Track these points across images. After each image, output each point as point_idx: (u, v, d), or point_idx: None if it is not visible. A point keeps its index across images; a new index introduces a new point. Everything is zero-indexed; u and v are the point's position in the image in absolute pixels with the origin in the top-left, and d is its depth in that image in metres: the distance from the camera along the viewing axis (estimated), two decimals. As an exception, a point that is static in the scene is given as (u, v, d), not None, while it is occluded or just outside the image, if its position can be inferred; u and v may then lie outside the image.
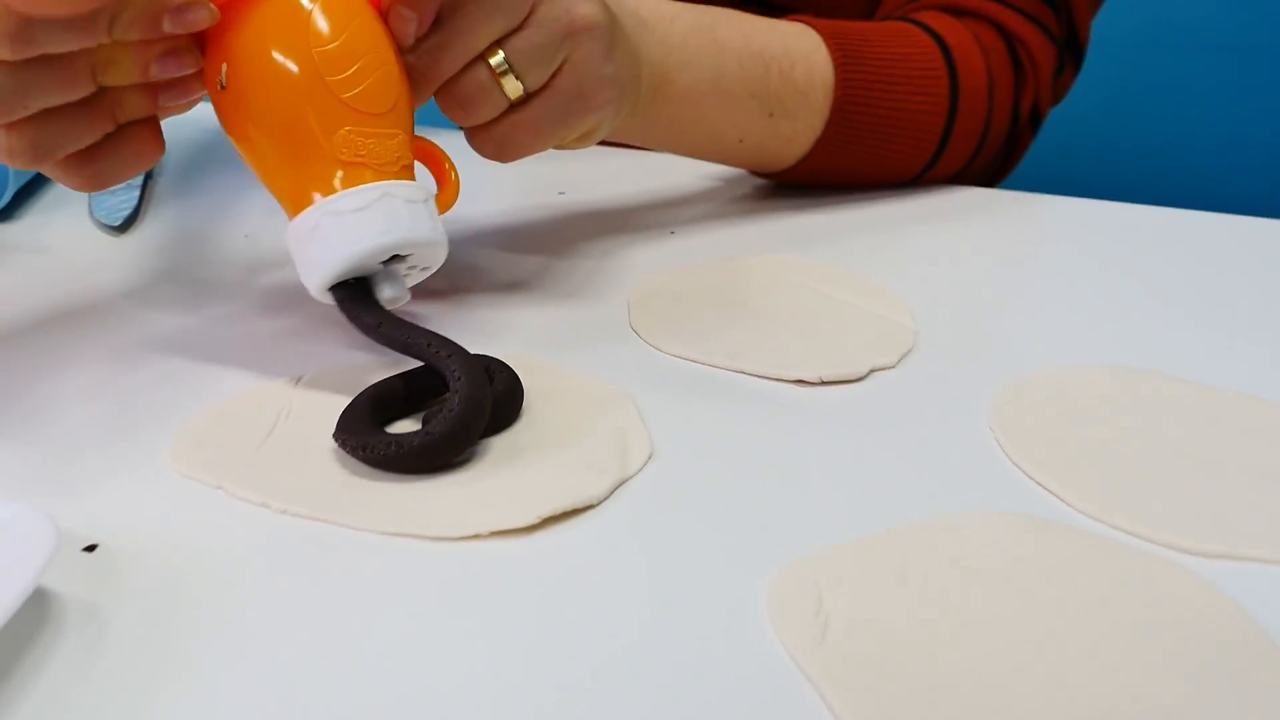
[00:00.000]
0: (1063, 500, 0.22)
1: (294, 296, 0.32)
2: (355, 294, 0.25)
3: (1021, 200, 0.43)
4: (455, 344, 0.24)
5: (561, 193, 0.43)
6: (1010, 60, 0.43)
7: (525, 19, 0.29)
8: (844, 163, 0.41)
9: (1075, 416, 0.25)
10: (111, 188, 0.37)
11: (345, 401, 0.24)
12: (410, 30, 0.27)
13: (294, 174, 0.26)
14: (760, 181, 0.43)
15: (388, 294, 0.25)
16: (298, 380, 0.27)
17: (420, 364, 0.25)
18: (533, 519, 0.21)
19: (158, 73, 0.25)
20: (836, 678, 0.17)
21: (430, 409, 0.24)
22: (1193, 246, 0.38)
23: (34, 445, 0.24)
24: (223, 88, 0.26)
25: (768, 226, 0.39)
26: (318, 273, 0.25)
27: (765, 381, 0.27)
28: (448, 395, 0.23)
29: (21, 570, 0.17)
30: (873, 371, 0.28)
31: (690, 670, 0.17)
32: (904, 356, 0.29)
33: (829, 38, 0.39)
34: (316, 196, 0.25)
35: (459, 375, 0.23)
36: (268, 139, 0.26)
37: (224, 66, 0.26)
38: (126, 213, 0.39)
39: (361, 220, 0.24)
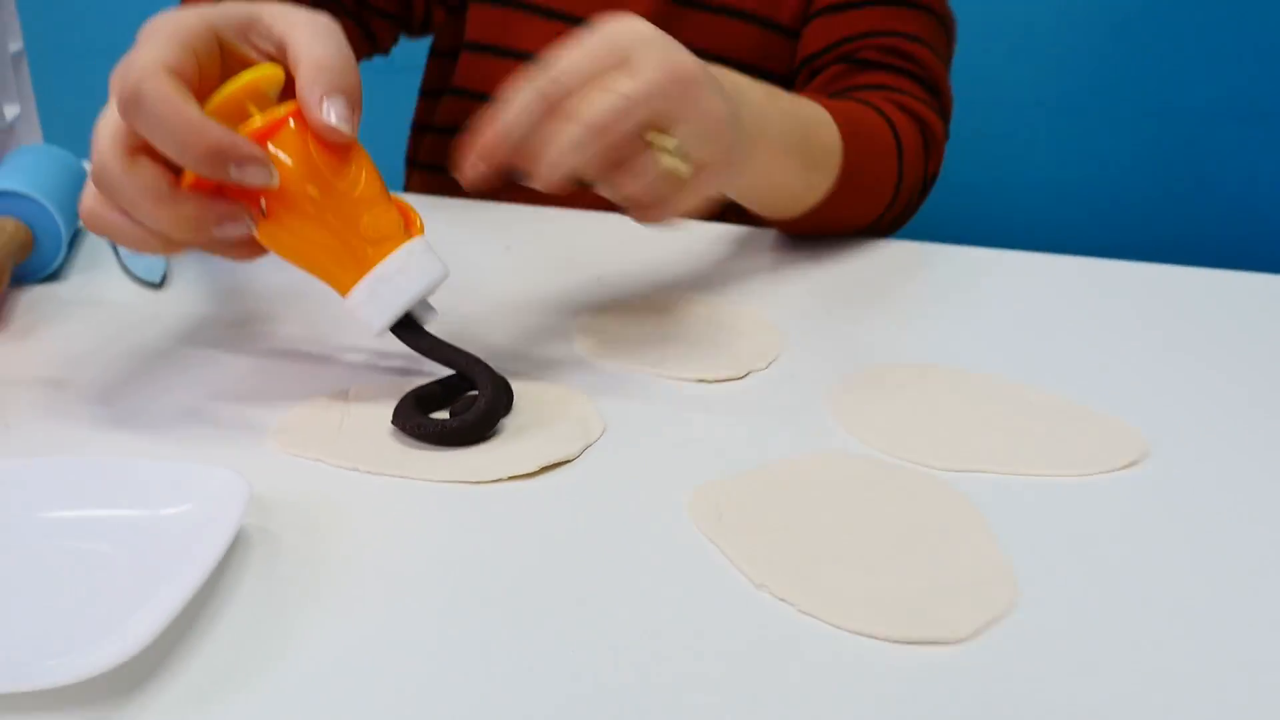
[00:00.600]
0: (864, 443, 0.35)
1: (319, 328, 0.43)
2: (407, 327, 0.35)
3: (912, 247, 0.56)
4: (478, 358, 0.35)
5: (508, 247, 0.55)
6: (921, 137, 0.57)
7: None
8: (838, 212, 0.52)
9: (882, 394, 0.38)
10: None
11: (385, 402, 0.35)
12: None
13: (336, 262, 0.34)
14: (672, 235, 0.55)
15: (429, 318, 0.36)
16: (346, 391, 0.38)
17: (448, 373, 0.36)
18: (534, 468, 0.32)
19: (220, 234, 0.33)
20: (728, 540, 0.29)
21: (456, 404, 0.35)
22: (1039, 284, 0.52)
23: (166, 446, 0.34)
24: (264, 215, 0.34)
25: (681, 271, 0.51)
26: (382, 321, 0.34)
27: (678, 381, 0.39)
28: (473, 394, 0.34)
29: (230, 513, 0.27)
30: (750, 372, 0.40)
31: (644, 547, 0.29)
32: (772, 361, 0.41)
33: (833, 112, 0.51)
34: (365, 272, 0.34)
35: (485, 379, 0.34)
36: (308, 244, 0.34)
37: (262, 200, 0.34)
38: (162, 270, 0.49)
39: (405, 277, 0.35)
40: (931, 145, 0.58)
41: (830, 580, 0.28)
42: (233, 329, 0.44)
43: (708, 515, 0.30)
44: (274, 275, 0.50)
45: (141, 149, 0.32)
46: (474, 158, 0.36)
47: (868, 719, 0.23)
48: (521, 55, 0.65)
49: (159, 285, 0.49)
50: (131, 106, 0.31)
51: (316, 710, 0.23)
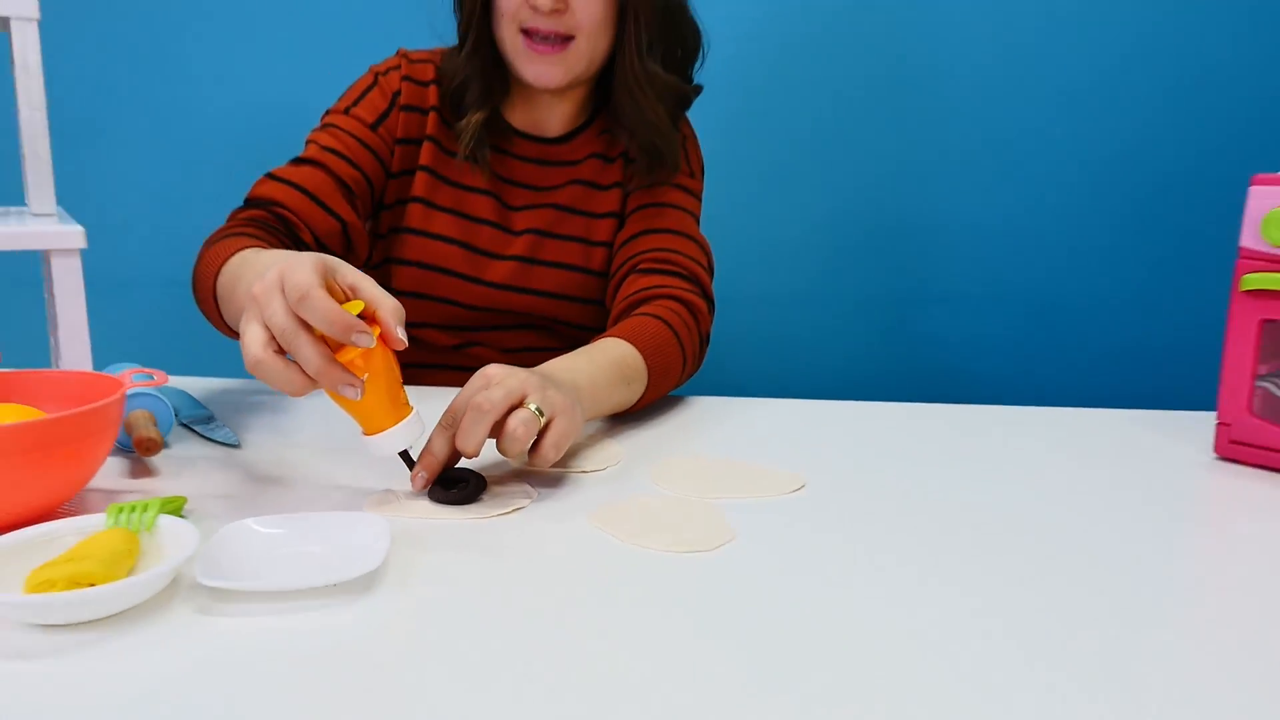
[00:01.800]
0: (674, 490, 0.69)
1: (354, 466, 0.73)
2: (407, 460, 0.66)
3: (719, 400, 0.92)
4: (467, 468, 0.67)
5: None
6: (690, 315, 0.94)
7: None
8: (656, 393, 0.88)
9: (682, 464, 0.73)
10: (208, 424, 0.77)
11: (414, 491, 0.66)
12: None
13: (382, 413, 0.64)
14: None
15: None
16: (384, 492, 0.68)
17: (453, 469, 0.67)
18: (511, 509, 0.64)
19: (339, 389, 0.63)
20: (611, 527, 0.62)
21: (458, 487, 0.66)
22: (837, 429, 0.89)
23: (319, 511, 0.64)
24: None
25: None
26: (394, 450, 0.64)
27: (582, 472, 0.73)
28: (469, 479, 0.66)
29: (383, 533, 0.58)
30: (608, 466, 0.74)
31: (567, 537, 0.62)
32: (618, 462, 0.75)
33: (632, 339, 0.86)
34: (395, 424, 0.64)
35: (476, 474, 0.66)
36: (372, 399, 0.65)
37: (364, 377, 0.65)
38: (237, 438, 0.78)
39: (411, 430, 0.65)
40: (698, 316, 0.96)
41: (655, 532, 0.61)
42: (296, 468, 0.74)
43: (604, 521, 0.63)
44: (310, 437, 0.80)
45: (303, 327, 0.60)
46: (422, 479, 0.66)
47: (664, 590, 0.56)
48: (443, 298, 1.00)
49: (238, 446, 0.78)
50: (302, 302, 0.59)
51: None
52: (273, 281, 0.60)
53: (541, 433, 0.68)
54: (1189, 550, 0.61)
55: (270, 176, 0.96)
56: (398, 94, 1.02)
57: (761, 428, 0.86)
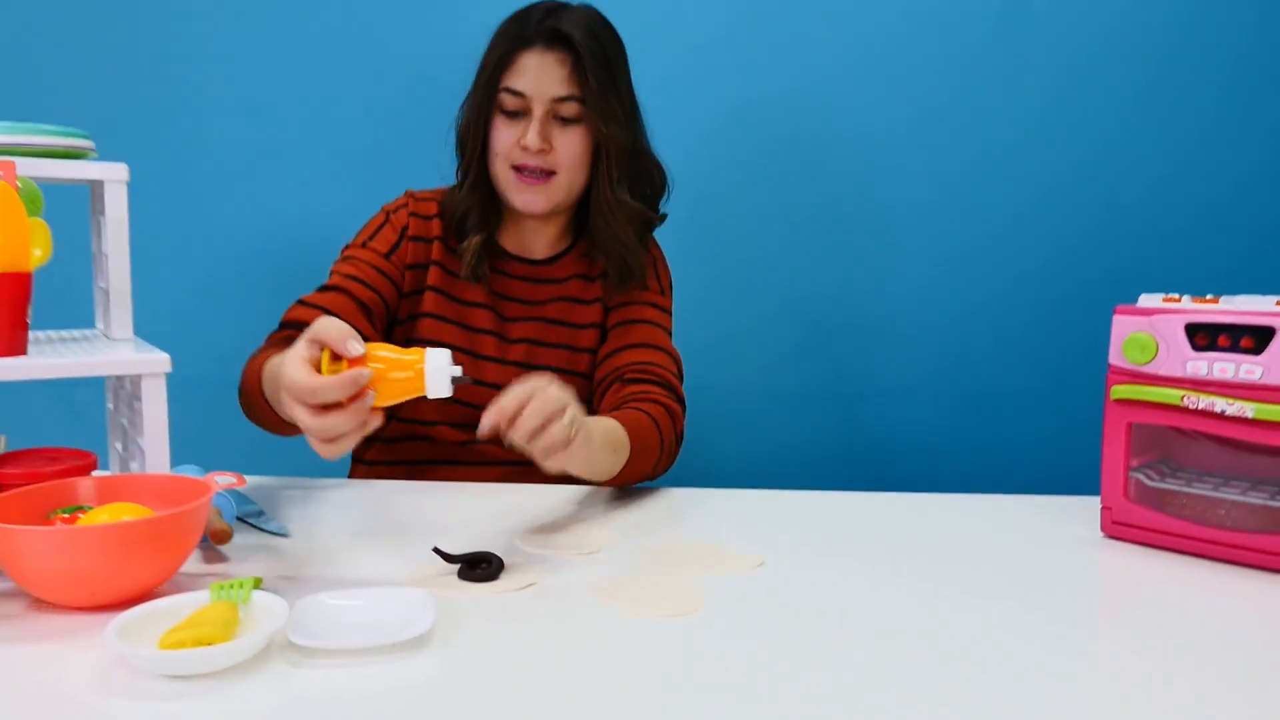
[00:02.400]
0: (654, 568, 0.84)
1: (385, 550, 0.88)
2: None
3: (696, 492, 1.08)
4: (489, 551, 0.82)
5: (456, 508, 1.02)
6: (668, 416, 1.10)
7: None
8: (633, 471, 1.03)
9: (661, 554, 0.88)
10: (259, 517, 0.92)
11: (483, 433, 0.82)
12: None
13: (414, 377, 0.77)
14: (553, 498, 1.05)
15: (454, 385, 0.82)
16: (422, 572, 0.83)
17: (476, 552, 0.82)
18: (525, 584, 0.79)
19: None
20: (606, 595, 0.77)
21: (481, 567, 0.81)
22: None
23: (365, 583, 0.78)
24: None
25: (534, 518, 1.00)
26: (443, 380, 0.77)
27: (566, 553, 0.88)
28: (491, 560, 0.81)
29: (426, 615, 0.72)
30: (602, 549, 0.89)
31: (571, 606, 0.76)
32: (604, 547, 0.90)
33: (622, 421, 1.01)
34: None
35: (497, 556, 0.81)
36: (400, 381, 0.76)
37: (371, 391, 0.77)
38: (285, 528, 0.92)
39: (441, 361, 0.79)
40: (674, 417, 1.12)
41: (639, 601, 0.76)
42: (338, 552, 0.88)
43: (600, 591, 0.78)
44: (345, 527, 0.95)
45: (324, 409, 0.75)
46: (489, 425, 0.83)
47: (650, 645, 0.71)
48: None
49: (287, 535, 0.92)
50: (313, 395, 0.74)
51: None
52: (286, 399, 0.77)
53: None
54: (1085, 610, 0.77)
55: (301, 302, 1.12)
56: (405, 228, 1.20)
57: (726, 515, 1.02)
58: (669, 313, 1.27)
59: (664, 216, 1.26)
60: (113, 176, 0.96)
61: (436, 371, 0.77)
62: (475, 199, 1.19)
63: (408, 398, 0.78)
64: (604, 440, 0.98)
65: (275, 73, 1.57)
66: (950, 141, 1.59)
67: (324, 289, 1.15)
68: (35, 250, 0.85)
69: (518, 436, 0.83)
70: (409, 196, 1.23)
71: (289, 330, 1.09)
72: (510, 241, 1.24)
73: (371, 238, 1.20)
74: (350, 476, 1.28)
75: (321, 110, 1.58)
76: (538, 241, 1.24)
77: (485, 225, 1.19)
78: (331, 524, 0.96)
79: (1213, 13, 1.54)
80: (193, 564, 0.83)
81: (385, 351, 0.78)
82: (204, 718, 0.58)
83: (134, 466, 0.96)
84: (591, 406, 1.21)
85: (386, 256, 1.18)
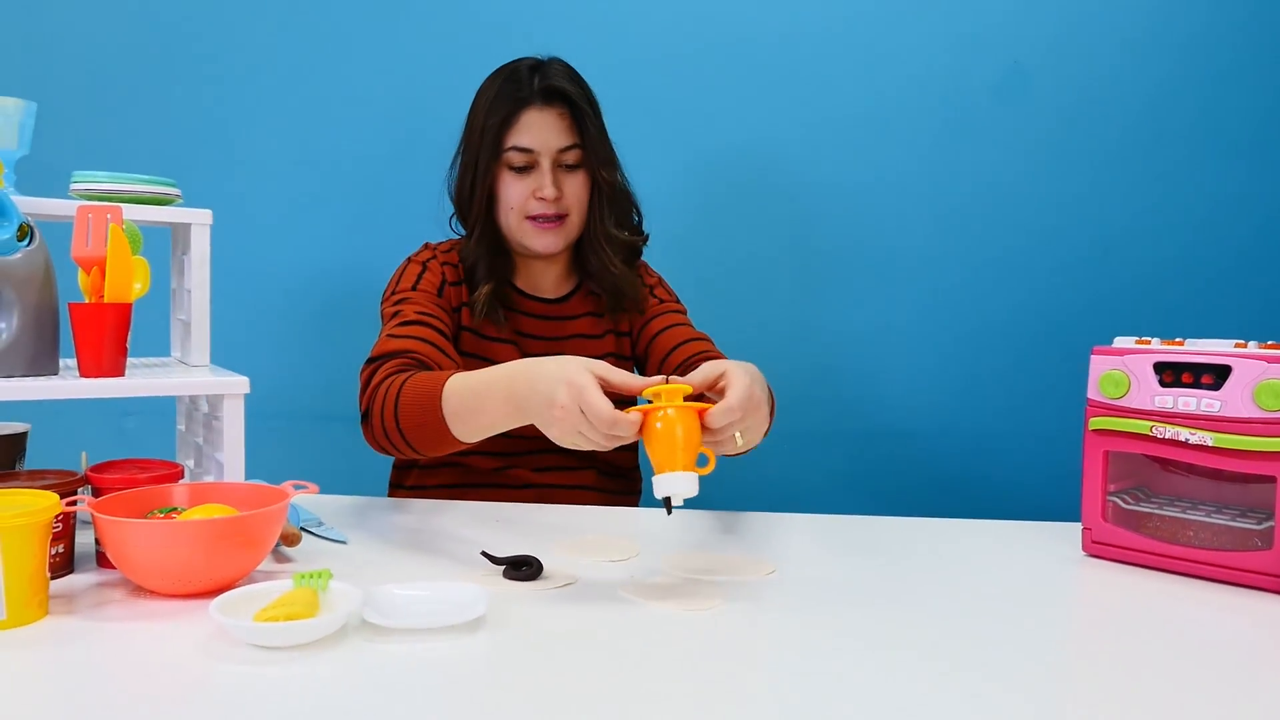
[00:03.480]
0: (678, 572, 0.94)
1: (429, 555, 0.98)
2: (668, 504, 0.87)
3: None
4: (530, 554, 0.92)
5: (498, 520, 1.12)
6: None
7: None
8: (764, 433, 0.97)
9: (694, 557, 0.98)
10: (319, 526, 1.02)
11: (495, 569, 0.91)
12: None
13: (673, 462, 0.84)
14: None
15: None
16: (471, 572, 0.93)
17: (519, 555, 0.92)
18: (564, 584, 0.89)
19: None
20: (636, 593, 0.87)
21: (524, 569, 0.91)
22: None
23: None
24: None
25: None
26: (676, 492, 0.84)
27: (602, 560, 0.98)
28: (533, 562, 0.90)
29: (479, 604, 0.82)
30: (634, 555, 0.99)
31: (604, 601, 0.86)
32: (635, 554, 1.00)
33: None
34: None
35: (537, 558, 0.91)
36: (660, 453, 0.82)
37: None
38: (343, 535, 1.03)
39: (692, 484, 0.85)
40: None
41: (677, 596, 0.86)
42: (392, 556, 0.98)
43: (630, 589, 0.88)
44: (398, 535, 1.05)
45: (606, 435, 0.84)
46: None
47: (674, 638, 0.81)
48: None
49: (345, 542, 1.02)
50: (615, 426, 0.81)
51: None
52: (576, 413, 0.83)
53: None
54: (1069, 620, 0.87)
55: (391, 336, 1.16)
56: (444, 274, 1.30)
57: (741, 532, 1.12)
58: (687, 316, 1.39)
59: (647, 238, 1.38)
60: (199, 220, 1.08)
61: (679, 483, 0.82)
62: (482, 250, 1.29)
63: (654, 457, 0.83)
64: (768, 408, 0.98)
65: (323, 126, 1.71)
66: (946, 190, 1.71)
67: (405, 324, 1.18)
68: (136, 284, 0.97)
69: (733, 442, 0.87)
70: (431, 249, 1.33)
71: (398, 359, 1.12)
72: (522, 282, 1.36)
73: (419, 281, 1.28)
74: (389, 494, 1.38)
75: (365, 162, 1.71)
76: (545, 280, 1.36)
77: (493, 274, 1.29)
78: (383, 534, 1.07)
79: (1182, 82, 1.67)
80: (266, 564, 0.93)
81: (681, 425, 0.83)
82: (293, 681, 0.68)
83: (207, 479, 1.07)
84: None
85: (439, 294, 1.28)
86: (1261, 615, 0.86)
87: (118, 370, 0.96)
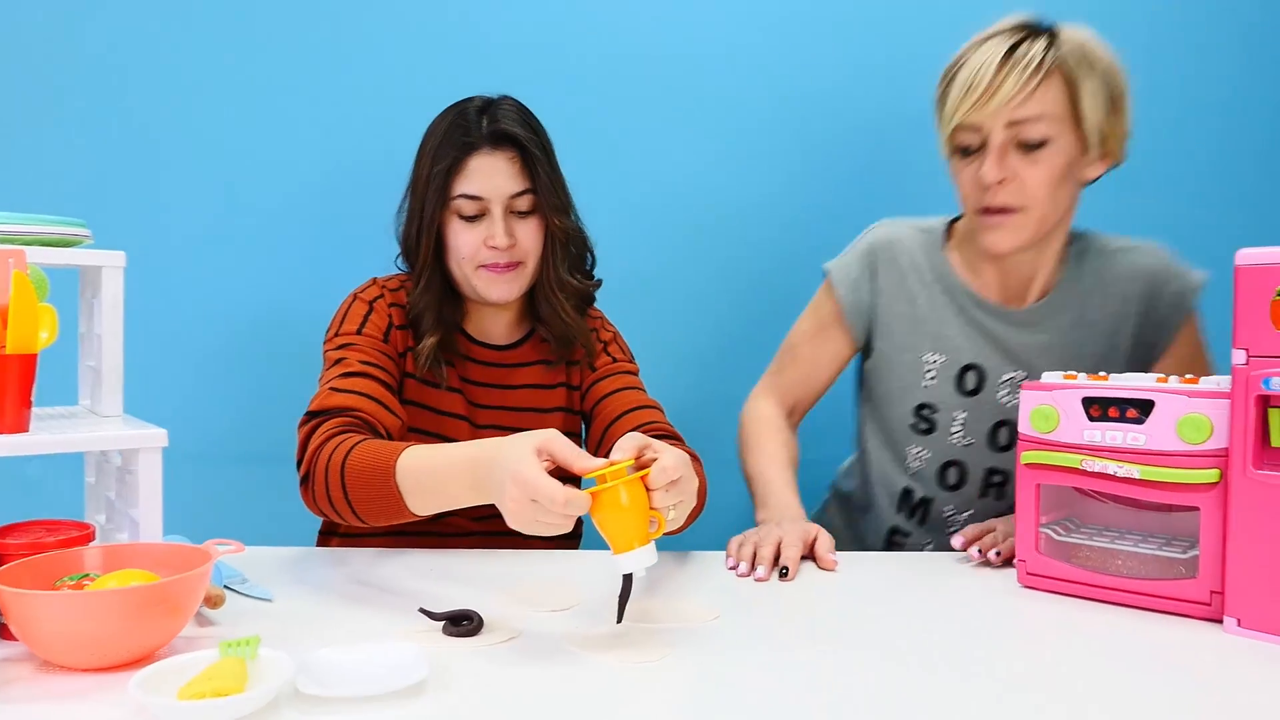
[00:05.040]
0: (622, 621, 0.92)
1: (361, 609, 0.94)
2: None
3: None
4: (470, 609, 0.89)
5: (431, 568, 1.09)
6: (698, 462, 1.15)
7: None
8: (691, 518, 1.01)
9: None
10: (243, 583, 0.97)
11: (434, 625, 0.88)
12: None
13: (629, 539, 0.84)
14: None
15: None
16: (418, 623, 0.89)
17: (458, 610, 0.89)
18: (506, 638, 0.86)
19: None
20: (580, 645, 0.85)
21: (464, 624, 0.88)
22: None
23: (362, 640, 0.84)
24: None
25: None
26: (639, 568, 0.83)
27: (542, 610, 0.95)
28: (473, 617, 0.88)
29: (419, 665, 0.79)
30: (551, 611, 0.97)
31: (549, 656, 0.84)
32: (577, 604, 0.98)
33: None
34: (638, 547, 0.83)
35: (477, 613, 0.88)
36: (613, 532, 0.83)
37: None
38: (268, 593, 0.98)
39: (651, 557, 0.84)
40: (699, 466, 1.16)
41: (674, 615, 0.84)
42: (321, 613, 0.94)
43: (580, 643, 0.86)
44: (324, 590, 1.01)
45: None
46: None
47: (621, 690, 0.79)
48: None
49: (271, 600, 0.98)
50: (569, 505, 0.79)
51: None
52: (529, 504, 0.82)
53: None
54: (1009, 653, 0.88)
55: (334, 390, 1.10)
56: (391, 316, 1.23)
57: (686, 575, 1.10)
58: (638, 376, 1.35)
59: (599, 283, 1.34)
60: (110, 263, 1.02)
61: (642, 558, 0.83)
62: (429, 300, 1.22)
63: (608, 539, 0.84)
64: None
65: (241, 159, 1.65)
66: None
67: (347, 375, 1.13)
68: (42, 333, 0.91)
69: (668, 504, 0.86)
70: (380, 287, 1.26)
71: (340, 417, 1.07)
72: (472, 328, 1.30)
73: (364, 324, 1.21)
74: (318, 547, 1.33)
75: (285, 196, 1.65)
76: (496, 327, 1.31)
77: (439, 326, 1.23)
78: (314, 589, 1.02)
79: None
80: (188, 630, 0.88)
81: (628, 495, 0.83)
82: (225, 762, 0.64)
83: (120, 537, 1.01)
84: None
85: (385, 340, 1.21)
86: (1191, 642, 0.88)
87: (21, 426, 0.90)
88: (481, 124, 1.20)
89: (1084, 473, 1.00)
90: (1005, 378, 1.29)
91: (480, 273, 1.22)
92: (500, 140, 1.19)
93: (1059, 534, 1.06)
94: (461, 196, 1.19)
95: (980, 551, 1.11)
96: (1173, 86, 1.71)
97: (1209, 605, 0.93)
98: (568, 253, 1.27)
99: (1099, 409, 0.99)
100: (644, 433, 1.22)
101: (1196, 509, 0.94)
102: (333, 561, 1.14)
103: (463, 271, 1.22)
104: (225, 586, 1.00)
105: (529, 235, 1.22)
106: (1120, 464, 0.97)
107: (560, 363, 1.32)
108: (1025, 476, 1.05)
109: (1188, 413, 0.93)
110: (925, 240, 1.34)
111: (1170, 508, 1.02)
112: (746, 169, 1.72)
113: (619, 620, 0.86)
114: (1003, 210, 1.18)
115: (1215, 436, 0.92)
